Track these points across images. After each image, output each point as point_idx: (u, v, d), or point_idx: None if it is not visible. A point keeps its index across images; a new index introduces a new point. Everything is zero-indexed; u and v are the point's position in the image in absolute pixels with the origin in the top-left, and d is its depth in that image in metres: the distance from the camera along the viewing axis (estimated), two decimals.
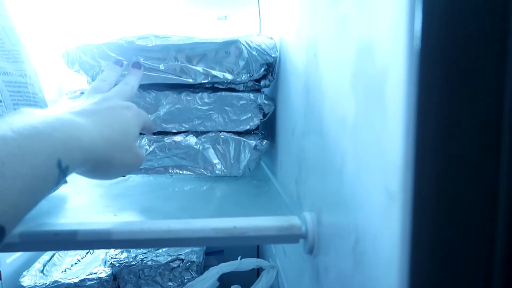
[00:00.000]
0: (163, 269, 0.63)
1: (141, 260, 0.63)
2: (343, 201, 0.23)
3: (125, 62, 0.40)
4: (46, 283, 0.58)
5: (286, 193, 0.42)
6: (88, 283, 0.59)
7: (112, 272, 0.62)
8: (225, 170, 0.49)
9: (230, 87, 0.48)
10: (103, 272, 0.62)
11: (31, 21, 0.67)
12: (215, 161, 0.49)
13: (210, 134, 0.48)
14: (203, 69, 0.45)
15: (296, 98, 0.38)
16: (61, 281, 0.59)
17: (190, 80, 0.46)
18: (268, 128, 0.56)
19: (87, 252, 0.70)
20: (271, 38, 0.50)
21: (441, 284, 0.16)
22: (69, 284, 0.58)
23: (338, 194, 0.24)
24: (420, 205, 0.16)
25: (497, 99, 0.15)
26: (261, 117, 0.49)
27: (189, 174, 0.49)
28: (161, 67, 0.45)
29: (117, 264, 0.62)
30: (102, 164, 0.29)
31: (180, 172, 0.49)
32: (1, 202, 0.19)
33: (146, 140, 0.48)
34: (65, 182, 0.44)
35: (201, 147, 0.48)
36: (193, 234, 0.30)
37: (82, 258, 0.68)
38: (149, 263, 0.63)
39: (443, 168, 0.16)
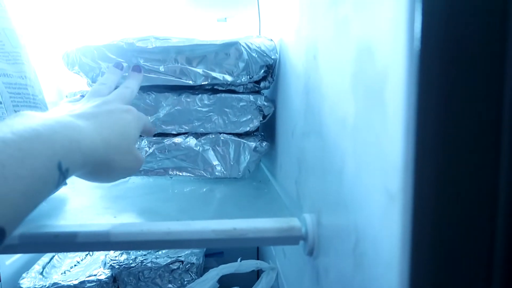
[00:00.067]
0: (162, 271, 0.62)
1: (140, 262, 0.63)
2: (343, 202, 0.23)
3: (125, 64, 0.40)
4: (45, 285, 0.58)
5: (286, 194, 0.42)
6: (88, 285, 0.59)
7: (112, 274, 0.62)
8: (225, 172, 0.49)
9: (230, 89, 0.48)
10: (103, 274, 0.61)
11: (31, 22, 0.67)
12: (215, 162, 0.49)
13: (210, 136, 0.48)
14: (203, 71, 0.45)
15: (296, 99, 0.38)
16: (60, 283, 0.58)
17: (190, 82, 0.46)
18: (268, 129, 0.56)
19: (87, 254, 0.70)
20: (271, 39, 0.50)
21: (441, 285, 0.16)
22: (68, 286, 0.58)
23: (338, 195, 0.24)
24: (420, 205, 0.16)
25: (497, 100, 0.15)
26: (261, 119, 0.49)
27: (188, 175, 0.49)
28: (161, 68, 0.45)
29: (117, 266, 0.62)
30: (102, 167, 0.29)
31: (180, 173, 0.49)
32: (2, 204, 0.19)
33: (146, 141, 0.48)
34: (65, 184, 0.44)
35: (201, 149, 0.48)
36: (193, 236, 0.30)
37: (81, 260, 0.68)
38: (149, 265, 0.62)
39: (443, 168, 0.16)
